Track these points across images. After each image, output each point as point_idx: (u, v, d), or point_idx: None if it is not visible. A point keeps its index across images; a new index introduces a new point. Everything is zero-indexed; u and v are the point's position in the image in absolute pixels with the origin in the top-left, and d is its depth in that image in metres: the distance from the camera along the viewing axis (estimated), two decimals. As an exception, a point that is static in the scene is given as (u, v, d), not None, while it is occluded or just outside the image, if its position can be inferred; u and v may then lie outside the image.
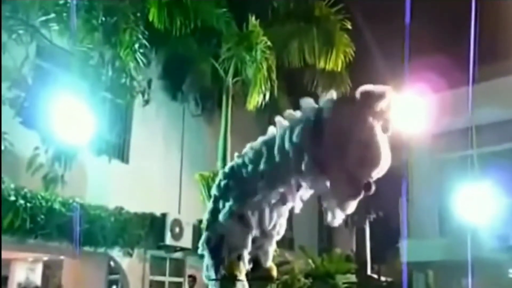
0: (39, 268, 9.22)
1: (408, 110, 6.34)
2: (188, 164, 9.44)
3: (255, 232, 3.44)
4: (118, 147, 8.77)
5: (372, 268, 12.22)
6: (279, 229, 3.68)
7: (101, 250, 8.42)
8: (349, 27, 7.10)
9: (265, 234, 3.68)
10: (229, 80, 6.63)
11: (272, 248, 3.83)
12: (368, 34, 8.61)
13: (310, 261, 11.53)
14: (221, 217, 3.44)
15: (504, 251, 7.55)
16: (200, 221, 8.70)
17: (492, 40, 7.86)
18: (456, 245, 8.18)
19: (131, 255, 8.96)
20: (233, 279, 3.69)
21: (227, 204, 3.43)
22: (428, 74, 6.85)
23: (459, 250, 8.18)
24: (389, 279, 12.01)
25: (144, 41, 5.18)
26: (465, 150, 7.41)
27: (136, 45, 5.06)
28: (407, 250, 9.46)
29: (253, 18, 6.13)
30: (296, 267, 10.95)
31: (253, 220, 3.42)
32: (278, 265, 11.49)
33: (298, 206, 3.35)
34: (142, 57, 5.30)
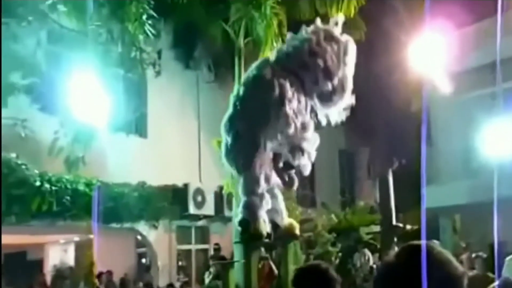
0: (71, 248, 9.90)
1: (429, 50, 6.42)
2: (205, 131, 9.77)
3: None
4: (135, 122, 9.11)
5: (397, 218, 12.75)
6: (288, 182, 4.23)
7: (128, 225, 9.02)
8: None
9: (272, 194, 4.18)
10: (241, 41, 6.77)
11: (282, 206, 4.32)
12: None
13: (332, 216, 12.07)
14: None
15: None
16: (221, 188, 9.18)
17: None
18: (481, 186, 8.50)
19: (156, 227, 9.57)
20: (259, 238, 4.18)
21: None
22: (449, 8, 6.85)
23: (485, 191, 8.53)
24: (415, 227, 12.55)
25: (152, 12, 5.32)
26: (489, 86, 7.53)
27: (144, 17, 5.21)
28: (432, 196, 9.83)
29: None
30: (319, 223, 11.49)
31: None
32: (301, 223, 12.06)
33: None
34: (151, 29, 5.46)
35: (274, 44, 6.33)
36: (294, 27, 7.28)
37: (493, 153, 7.76)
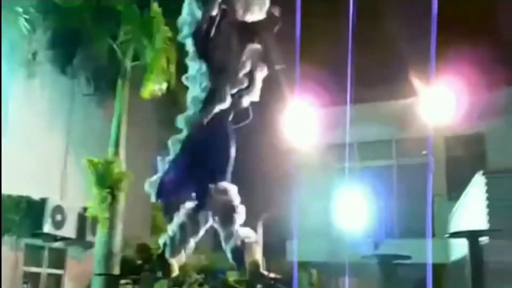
0: None
1: (300, 120, 6.84)
2: (75, 146, 8.91)
3: None
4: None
5: (262, 265, 13.00)
6: None
7: (-36, 235, 7.59)
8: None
9: None
10: (127, 63, 6.48)
11: None
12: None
13: (202, 257, 11.79)
14: None
15: (374, 256, 8.57)
16: (85, 209, 8.33)
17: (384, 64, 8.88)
18: (336, 248, 9.11)
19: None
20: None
21: None
22: (318, 89, 7.47)
23: (339, 253, 9.15)
24: (278, 276, 12.84)
25: (30, 8, 4.81)
26: (347, 162, 8.26)
27: (19, 9, 4.67)
28: (294, 250, 10.23)
29: (156, 4, 6.09)
30: (188, 262, 11.08)
31: None
32: (170, 260, 11.27)
33: None
34: (26, 23, 4.92)
35: (160, 77, 6.19)
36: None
37: (347, 222, 8.42)
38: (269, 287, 11.26)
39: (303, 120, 6.83)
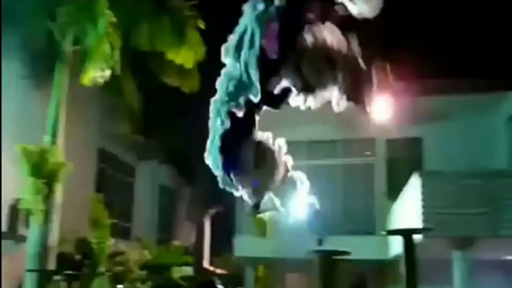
0: None
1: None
2: (7, 134, 8.18)
3: None
4: None
5: (211, 261, 12.96)
6: None
7: None
8: (202, 26, 7.26)
9: None
10: (66, 46, 6.04)
11: None
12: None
13: (146, 252, 11.41)
14: None
15: (316, 251, 8.76)
16: (18, 200, 7.71)
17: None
18: (281, 244, 9.21)
19: None
20: None
21: None
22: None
23: (284, 249, 9.24)
24: (225, 272, 12.79)
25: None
26: (299, 160, 8.41)
27: None
28: (241, 245, 10.26)
29: (100, -13, 5.73)
30: (131, 258, 10.71)
31: None
32: (112, 255, 10.90)
33: None
34: None
35: (102, 63, 5.82)
36: (130, 55, 6.95)
37: (293, 217, 8.49)
38: (211, 283, 11.14)
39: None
